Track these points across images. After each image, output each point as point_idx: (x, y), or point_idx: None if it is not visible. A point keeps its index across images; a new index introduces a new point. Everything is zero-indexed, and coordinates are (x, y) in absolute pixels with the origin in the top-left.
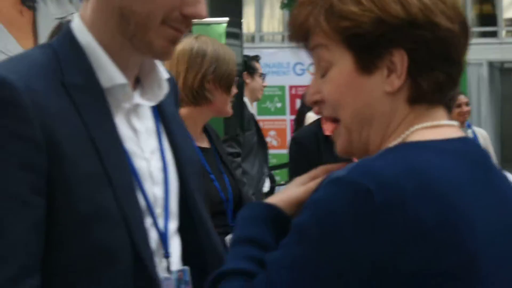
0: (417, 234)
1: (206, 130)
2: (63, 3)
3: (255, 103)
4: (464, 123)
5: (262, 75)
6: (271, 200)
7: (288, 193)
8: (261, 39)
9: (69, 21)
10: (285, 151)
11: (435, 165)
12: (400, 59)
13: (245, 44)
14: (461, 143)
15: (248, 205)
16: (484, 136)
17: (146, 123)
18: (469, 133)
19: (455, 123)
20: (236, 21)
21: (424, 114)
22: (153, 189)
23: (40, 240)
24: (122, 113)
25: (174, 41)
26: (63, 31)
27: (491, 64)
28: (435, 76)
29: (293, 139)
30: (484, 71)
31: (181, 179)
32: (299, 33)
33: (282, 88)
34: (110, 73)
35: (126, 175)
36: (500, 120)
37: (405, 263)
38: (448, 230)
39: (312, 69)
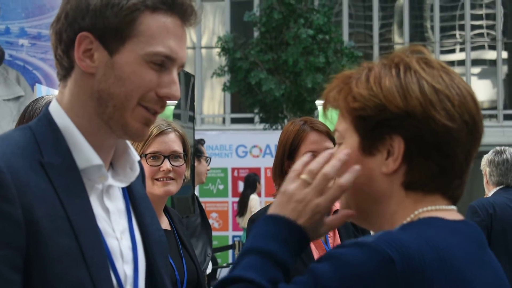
0: None
1: (167, 212)
2: (10, 85)
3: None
4: None
5: (207, 159)
6: (297, 217)
7: (311, 207)
8: (202, 121)
9: (47, 104)
10: (227, 233)
11: (451, 244)
12: (397, 144)
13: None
14: (464, 224)
15: (276, 220)
16: None
17: (117, 204)
18: None
19: (454, 207)
20: (184, 102)
21: (422, 200)
22: (124, 267)
23: None
24: (96, 193)
25: (148, 123)
26: (41, 113)
27: None
28: (428, 166)
29: (250, 219)
30: None
31: (148, 258)
32: (326, 106)
33: (224, 170)
34: (86, 154)
35: (100, 254)
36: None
37: None
38: None
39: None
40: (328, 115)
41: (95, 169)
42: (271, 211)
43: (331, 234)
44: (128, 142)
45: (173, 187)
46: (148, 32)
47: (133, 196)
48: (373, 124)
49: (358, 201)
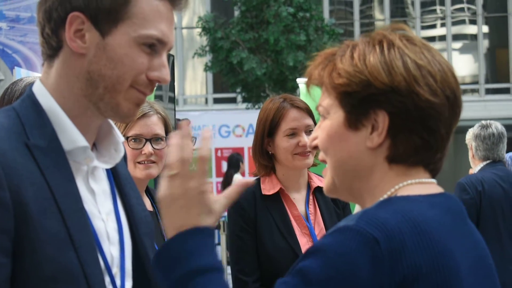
0: (415, 278)
1: (149, 192)
2: None
3: None
4: None
5: (193, 139)
6: (188, 212)
7: (192, 194)
8: (185, 102)
9: (28, 86)
10: None
11: (429, 217)
12: (382, 119)
13: None
14: (443, 197)
15: (197, 232)
16: None
17: (102, 185)
18: None
19: (434, 180)
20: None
21: (404, 173)
22: (110, 249)
23: None
24: (81, 174)
25: (139, 103)
26: (24, 94)
27: None
28: (412, 140)
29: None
30: None
31: (134, 239)
32: (314, 82)
33: None
34: (72, 136)
35: (87, 236)
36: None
37: None
38: (440, 274)
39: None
40: (311, 93)
41: (80, 150)
42: (167, 226)
43: (312, 210)
44: (112, 123)
45: (155, 170)
46: (141, 15)
47: (118, 177)
48: (358, 100)
49: (342, 175)
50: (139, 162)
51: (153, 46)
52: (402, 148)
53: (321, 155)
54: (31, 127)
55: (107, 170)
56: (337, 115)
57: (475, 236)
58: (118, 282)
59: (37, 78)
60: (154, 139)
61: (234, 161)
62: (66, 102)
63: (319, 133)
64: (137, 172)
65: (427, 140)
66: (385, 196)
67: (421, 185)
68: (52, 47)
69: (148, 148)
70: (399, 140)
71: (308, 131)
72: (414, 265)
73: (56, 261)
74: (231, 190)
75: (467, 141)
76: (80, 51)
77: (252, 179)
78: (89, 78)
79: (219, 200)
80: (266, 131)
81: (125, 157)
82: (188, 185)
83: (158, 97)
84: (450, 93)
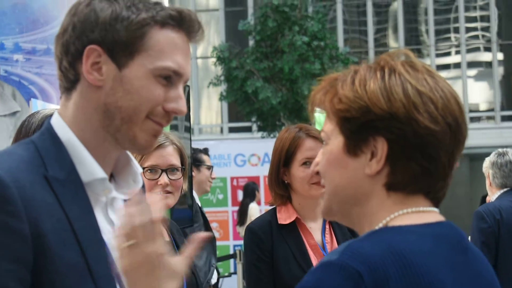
0: None
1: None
2: (6, 100)
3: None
4: None
5: (210, 167)
6: (171, 285)
7: (155, 260)
8: (200, 131)
9: (49, 117)
10: (228, 242)
11: (416, 249)
12: (381, 146)
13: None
14: (439, 227)
15: None
16: None
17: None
18: None
19: (434, 209)
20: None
21: (402, 202)
22: None
23: None
24: (100, 206)
25: (156, 135)
26: (43, 127)
27: None
28: (411, 167)
29: (247, 228)
30: None
31: None
32: (312, 107)
33: (223, 179)
34: (90, 167)
35: (106, 267)
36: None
37: None
38: None
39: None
40: (317, 118)
41: (99, 182)
42: None
43: (328, 239)
44: (130, 154)
45: (171, 200)
46: (157, 47)
47: None
48: (358, 126)
49: (340, 202)
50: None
51: (169, 78)
52: (401, 175)
53: (322, 180)
54: (50, 160)
55: (125, 200)
56: (337, 141)
57: (476, 266)
58: None
59: (54, 110)
60: (170, 169)
61: (250, 190)
62: (84, 134)
63: (320, 158)
64: None
65: (427, 168)
66: (380, 225)
67: (418, 214)
68: (70, 80)
69: (164, 178)
70: (398, 167)
71: None
72: None
73: None
74: (189, 249)
75: (484, 170)
76: (97, 83)
77: (209, 233)
78: (106, 110)
79: (180, 260)
80: (282, 161)
81: (143, 187)
82: (147, 251)
83: (174, 127)
84: (452, 121)
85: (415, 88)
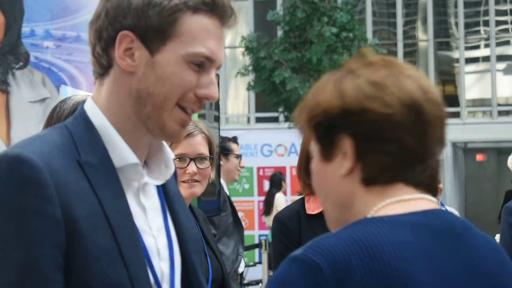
0: None
1: (192, 211)
2: (36, 87)
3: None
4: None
5: (238, 156)
6: None
7: None
8: (227, 120)
9: (82, 103)
10: (253, 232)
11: (385, 240)
12: (347, 143)
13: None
14: (422, 215)
15: None
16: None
17: (152, 201)
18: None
19: (424, 196)
20: (208, 103)
21: (383, 194)
22: (161, 265)
23: None
24: (132, 191)
25: (184, 124)
26: (76, 112)
27: (454, 144)
28: (378, 157)
29: (276, 218)
30: (448, 151)
31: (184, 256)
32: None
33: (250, 169)
34: (123, 153)
35: (138, 252)
36: (464, 200)
37: None
38: None
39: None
40: None
41: (131, 167)
42: None
43: None
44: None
45: (198, 189)
46: (189, 33)
47: (168, 194)
48: (323, 129)
49: (331, 209)
50: (183, 181)
51: (202, 64)
52: (372, 167)
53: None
54: (83, 144)
55: (157, 186)
56: (315, 151)
57: (469, 254)
58: None
59: (86, 96)
60: (198, 158)
61: (276, 180)
62: (117, 119)
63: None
64: (181, 190)
65: (393, 154)
66: (369, 216)
67: (401, 203)
68: (103, 66)
69: (192, 167)
70: (367, 160)
71: None
72: None
73: (106, 277)
74: None
75: (509, 164)
76: (130, 69)
77: None
78: (138, 96)
79: None
80: None
81: (175, 174)
82: None
83: (202, 116)
84: (411, 101)
85: (366, 80)
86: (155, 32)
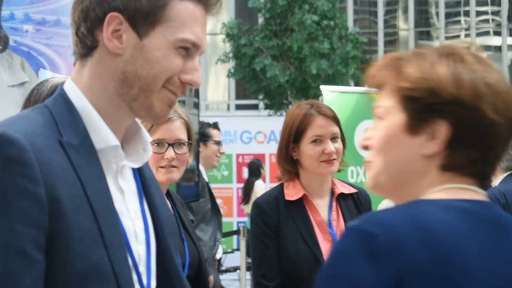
0: (416, 273)
1: (169, 195)
2: (15, 71)
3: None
4: None
5: (218, 143)
6: None
7: None
8: (207, 107)
9: (54, 86)
10: (232, 219)
11: (437, 219)
12: (443, 129)
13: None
14: (474, 204)
15: None
16: None
17: (129, 184)
18: None
19: (478, 189)
20: (190, 89)
21: (449, 180)
22: (138, 247)
23: None
24: (111, 173)
25: (171, 104)
26: (56, 93)
27: None
28: (469, 154)
29: (254, 203)
30: None
31: (159, 239)
32: (374, 82)
33: (229, 156)
34: (103, 134)
35: (117, 234)
36: None
37: None
38: (443, 271)
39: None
40: (334, 99)
41: (111, 149)
42: None
43: (334, 217)
44: (140, 123)
45: (176, 175)
46: (178, 18)
47: (144, 177)
48: (422, 106)
49: (390, 177)
50: (161, 166)
51: (188, 49)
52: (458, 159)
53: (370, 156)
54: (64, 125)
55: (133, 169)
56: (396, 118)
57: None
58: (144, 280)
59: (64, 78)
60: (177, 144)
61: (255, 167)
62: (98, 101)
63: (375, 133)
64: (158, 176)
65: (483, 155)
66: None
67: (458, 190)
68: (87, 46)
69: (170, 152)
70: (457, 151)
71: (333, 139)
72: (413, 261)
73: (87, 259)
74: None
75: None
76: (117, 51)
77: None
78: (124, 78)
79: None
80: (292, 137)
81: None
82: None
83: (182, 102)
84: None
85: (482, 79)
86: (145, 16)
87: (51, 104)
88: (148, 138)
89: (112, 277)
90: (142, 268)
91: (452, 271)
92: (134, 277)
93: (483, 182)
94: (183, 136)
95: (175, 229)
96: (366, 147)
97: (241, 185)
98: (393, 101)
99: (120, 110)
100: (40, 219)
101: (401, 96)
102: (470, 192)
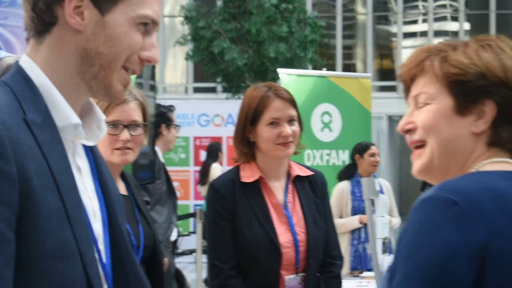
0: (496, 230)
1: (124, 177)
2: None
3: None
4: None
5: (177, 127)
6: None
7: None
8: (164, 90)
9: (10, 65)
10: (188, 202)
11: (502, 186)
12: (490, 108)
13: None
14: None
15: None
16: (387, 187)
17: (84, 162)
18: (376, 183)
19: None
20: (146, 71)
21: (497, 155)
22: (96, 226)
23: (11, 276)
24: (69, 151)
25: (126, 85)
26: (13, 70)
27: (390, 118)
28: None
29: (210, 185)
30: (384, 124)
31: (110, 217)
32: (411, 73)
33: (186, 139)
34: (65, 112)
35: (81, 213)
36: (399, 173)
37: (492, 251)
38: None
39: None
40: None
41: (72, 127)
42: None
43: (290, 199)
44: (93, 101)
45: (131, 156)
46: None
47: (95, 155)
48: (471, 89)
49: (442, 156)
50: (116, 148)
51: (146, 26)
52: (505, 135)
53: (419, 135)
54: (27, 102)
55: (85, 148)
56: (445, 101)
57: None
58: (104, 258)
59: (18, 57)
60: (132, 125)
61: (213, 150)
62: (58, 78)
63: (422, 117)
64: (113, 157)
65: None
66: (473, 171)
67: (506, 164)
68: (45, 22)
69: (125, 134)
70: (503, 128)
71: (290, 121)
72: (494, 225)
73: (55, 238)
74: None
75: None
76: (78, 27)
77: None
78: (85, 55)
79: None
80: (249, 119)
81: None
82: None
83: (139, 85)
84: None
85: None
86: None
87: (10, 81)
88: (102, 116)
89: (77, 256)
90: (101, 246)
91: None
92: (96, 255)
93: None
94: (138, 117)
95: (124, 208)
96: (407, 131)
97: (198, 168)
98: (438, 87)
99: (79, 88)
100: (12, 198)
101: (448, 82)
102: (511, 165)
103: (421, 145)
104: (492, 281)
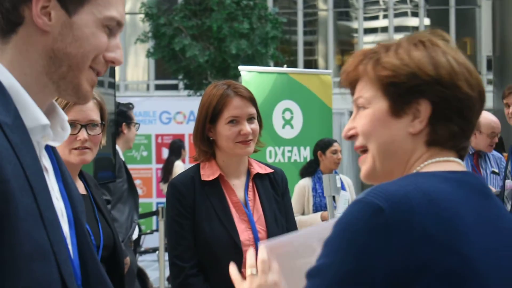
0: (422, 239)
1: (83, 176)
2: None
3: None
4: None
5: (137, 124)
6: None
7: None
8: (126, 88)
9: None
10: (151, 200)
11: (440, 188)
12: (424, 108)
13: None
14: (463, 174)
15: None
16: (349, 183)
17: (49, 163)
18: (337, 180)
19: (460, 161)
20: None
21: (439, 154)
22: (64, 226)
23: None
24: (37, 152)
25: (93, 85)
26: None
27: (352, 114)
28: (450, 127)
29: (170, 183)
30: (346, 120)
31: (74, 217)
32: (349, 78)
33: (148, 137)
34: (34, 113)
35: (53, 214)
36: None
37: (412, 262)
38: (447, 236)
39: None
40: (247, 80)
41: (40, 128)
42: None
43: (251, 197)
44: (55, 102)
45: (89, 156)
46: None
47: (57, 156)
48: (404, 90)
49: (384, 159)
50: (74, 148)
51: (111, 27)
52: (441, 134)
53: (360, 142)
54: None
55: (47, 149)
56: (380, 105)
57: (497, 211)
58: (73, 257)
59: None
60: (90, 125)
61: (176, 148)
62: (26, 79)
63: (361, 122)
64: (71, 157)
65: (462, 128)
66: (418, 168)
67: (446, 163)
68: (11, 22)
69: (83, 134)
70: (439, 127)
71: (250, 119)
72: (423, 230)
73: (32, 239)
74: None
75: None
76: (45, 28)
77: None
78: (53, 56)
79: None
80: (208, 117)
81: None
82: (264, 281)
83: (99, 82)
84: (481, 89)
85: (454, 59)
86: None
87: None
88: (65, 116)
89: (52, 257)
90: (70, 247)
91: (456, 237)
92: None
93: (462, 154)
94: (96, 117)
95: (84, 208)
96: (351, 137)
97: (161, 165)
98: (374, 90)
99: (46, 89)
100: None
101: (381, 84)
102: (454, 164)
103: (364, 150)
104: None
